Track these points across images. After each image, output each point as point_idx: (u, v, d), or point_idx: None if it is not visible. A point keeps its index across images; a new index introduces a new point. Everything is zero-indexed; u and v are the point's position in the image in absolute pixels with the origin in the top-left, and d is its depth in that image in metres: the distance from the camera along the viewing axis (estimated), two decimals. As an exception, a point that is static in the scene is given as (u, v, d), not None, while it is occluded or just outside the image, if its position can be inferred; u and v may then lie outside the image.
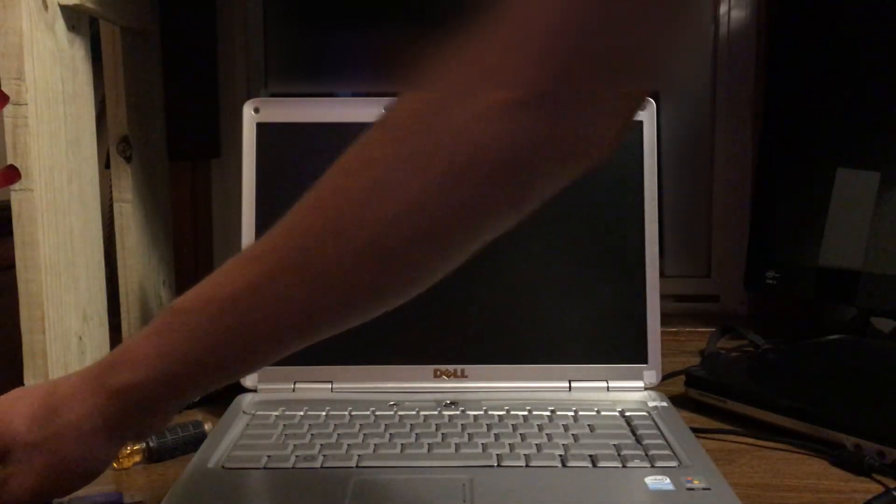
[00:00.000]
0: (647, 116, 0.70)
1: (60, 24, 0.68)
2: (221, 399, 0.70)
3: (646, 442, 0.58)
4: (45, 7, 0.65)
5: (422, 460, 0.55)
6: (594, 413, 0.63)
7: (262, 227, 0.70)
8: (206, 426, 0.63)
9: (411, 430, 0.60)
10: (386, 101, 0.70)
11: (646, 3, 0.35)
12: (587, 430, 0.60)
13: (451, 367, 0.69)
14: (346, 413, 0.63)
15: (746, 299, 1.06)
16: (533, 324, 0.69)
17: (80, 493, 0.55)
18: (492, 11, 0.36)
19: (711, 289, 1.12)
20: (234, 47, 1.07)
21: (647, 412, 0.64)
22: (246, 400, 0.67)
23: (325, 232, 0.37)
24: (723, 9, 1.09)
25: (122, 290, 0.83)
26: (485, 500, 0.50)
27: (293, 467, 0.55)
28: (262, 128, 0.71)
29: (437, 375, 0.69)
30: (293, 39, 1.11)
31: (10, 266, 0.65)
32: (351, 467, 0.54)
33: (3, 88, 0.63)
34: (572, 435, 0.59)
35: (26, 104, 0.64)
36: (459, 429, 0.60)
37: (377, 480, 0.53)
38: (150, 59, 0.84)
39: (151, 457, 0.61)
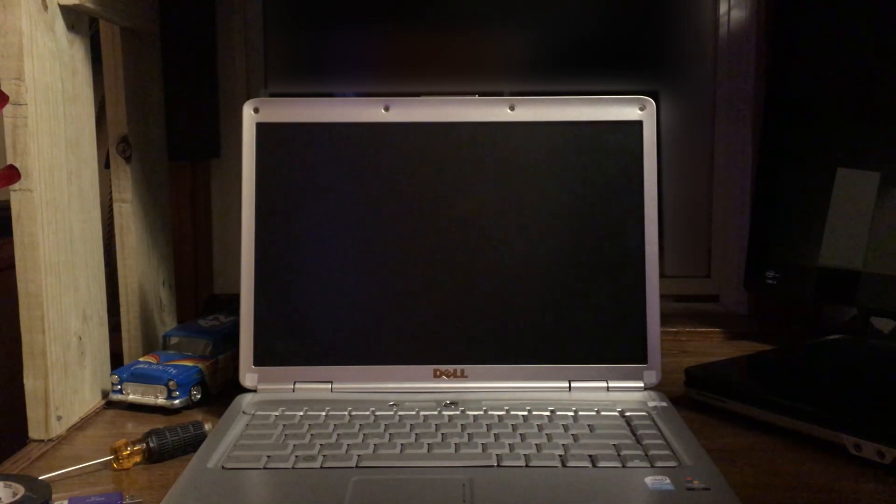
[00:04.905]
0: (647, 116, 0.70)
1: (60, 24, 0.68)
2: (221, 399, 0.70)
3: (646, 442, 0.58)
4: (45, 7, 0.65)
5: (421, 460, 0.55)
6: (594, 413, 0.63)
7: (261, 227, 0.70)
8: (206, 426, 0.63)
9: (411, 430, 0.60)
10: (385, 101, 0.71)
11: None
12: (587, 431, 0.60)
13: (450, 367, 0.69)
14: (345, 413, 0.64)
15: (746, 299, 1.06)
16: (533, 324, 0.69)
17: (80, 493, 0.55)
18: None
19: (711, 289, 1.12)
20: (234, 47, 1.07)
21: (647, 412, 0.64)
22: (246, 400, 0.67)
23: None
24: (723, 9, 1.09)
25: (121, 290, 0.83)
26: (485, 500, 0.50)
27: (293, 467, 0.55)
28: (261, 128, 0.71)
29: (436, 375, 0.69)
30: (293, 39, 1.11)
31: (10, 266, 0.66)
32: (351, 467, 0.54)
33: (3, 88, 0.63)
34: (572, 435, 0.59)
35: (26, 104, 0.64)
36: (459, 429, 0.60)
37: (377, 480, 0.53)
38: (150, 59, 0.84)
39: (151, 457, 0.61)
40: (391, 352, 0.69)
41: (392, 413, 0.63)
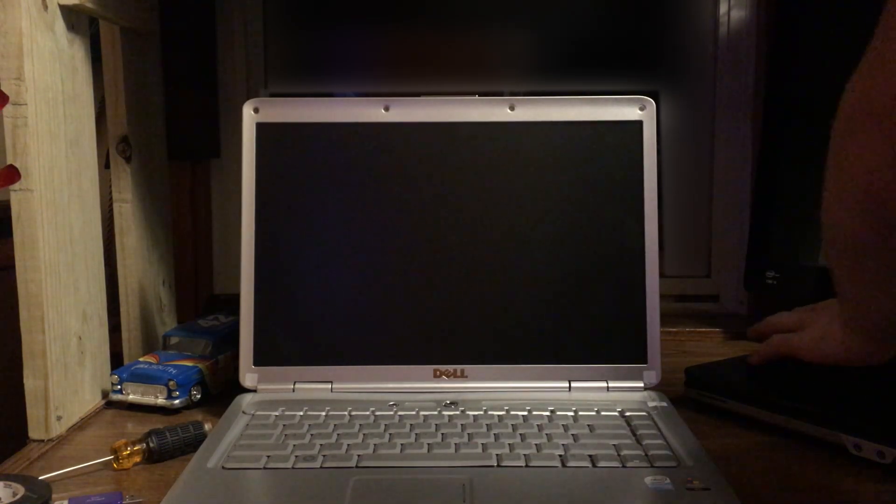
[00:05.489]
0: (647, 116, 0.70)
1: (60, 24, 0.68)
2: (221, 399, 0.70)
3: (645, 442, 0.58)
4: (45, 7, 0.65)
5: (421, 460, 0.55)
6: (594, 413, 0.63)
7: (261, 226, 0.70)
8: (206, 426, 0.63)
9: (411, 430, 0.60)
10: (385, 101, 0.71)
11: None
12: (587, 431, 0.60)
13: (450, 367, 0.69)
14: (345, 413, 0.64)
15: (746, 299, 1.06)
16: (533, 324, 0.69)
17: (80, 493, 0.55)
18: None
19: (711, 289, 1.12)
20: (234, 47, 1.08)
21: (647, 412, 0.64)
22: (246, 400, 0.67)
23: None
24: (723, 9, 1.09)
25: (121, 290, 0.83)
26: (484, 500, 0.50)
27: (293, 467, 0.55)
28: (261, 128, 0.71)
29: (436, 375, 0.69)
30: (293, 39, 1.11)
31: (10, 266, 0.66)
32: (351, 467, 0.54)
33: (3, 88, 0.63)
34: (572, 435, 0.59)
35: (26, 104, 0.64)
36: (459, 429, 0.60)
37: (377, 480, 0.53)
38: (150, 59, 0.84)
39: (151, 457, 0.61)
40: (391, 352, 0.69)
41: (392, 413, 0.63)
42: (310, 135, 0.71)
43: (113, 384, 0.73)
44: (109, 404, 0.74)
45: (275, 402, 0.66)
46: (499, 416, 0.63)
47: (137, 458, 0.60)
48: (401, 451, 0.57)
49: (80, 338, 0.70)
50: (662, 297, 0.70)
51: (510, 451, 0.56)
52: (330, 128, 0.71)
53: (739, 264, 0.96)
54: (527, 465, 0.55)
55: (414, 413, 0.63)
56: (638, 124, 0.70)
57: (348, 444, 0.58)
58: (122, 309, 0.83)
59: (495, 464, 0.55)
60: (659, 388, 0.68)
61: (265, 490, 0.53)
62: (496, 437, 0.59)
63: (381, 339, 0.69)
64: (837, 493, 0.55)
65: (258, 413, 0.64)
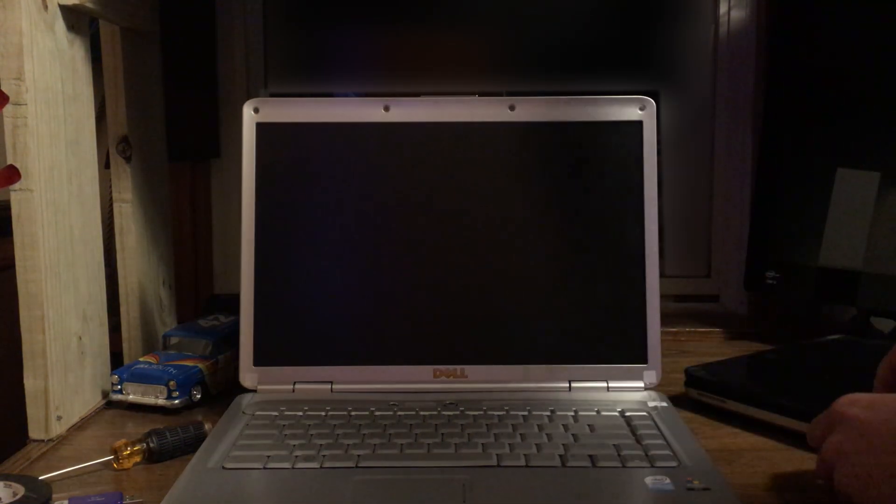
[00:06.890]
0: (647, 116, 0.70)
1: (60, 24, 0.68)
2: (221, 399, 0.71)
3: (646, 442, 0.58)
4: (45, 7, 0.65)
5: (421, 460, 0.55)
6: (594, 413, 0.63)
7: (261, 226, 0.70)
8: (206, 426, 0.63)
9: (411, 430, 0.60)
10: (385, 101, 0.71)
11: None
12: (587, 430, 0.60)
13: (450, 368, 0.69)
14: (345, 413, 0.64)
15: (746, 299, 1.06)
16: (533, 324, 0.69)
17: (80, 493, 0.55)
18: None
19: (711, 289, 1.12)
20: (234, 47, 1.08)
21: (647, 412, 0.64)
22: (246, 400, 0.67)
23: None
24: (723, 9, 1.09)
25: (121, 290, 0.83)
26: (484, 500, 0.50)
27: (293, 467, 0.55)
28: (261, 128, 0.71)
29: (436, 375, 0.69)
30: (293, 39, 1.11)
31: (10, 266, 0.66)
32: (351, 467, 0.54)
33: (3, 88, 0.63)
34: (572, 435, 0.59)
35: (26, 104, 0.64)
36: (459, 429, 0.60)
37: (377, 480, 0.53)
38: (150, 59, 0.84)
39: (151, 457, 0.61)
40: (391, 352, 0.69)
41: (392, 413, 0.63)
42: (310, 135, 0.71)
43: (113, 384, 0.73)
44: (109, 404, 0.74)
45: (275, 402, 0.66)
46: (499, 416, 0.63)
47: (137, 458, 0.60)
48: (401, 451, 0.57)
49: (80, 338, 0.70)
50: (662, 297, 0.70)
51: (510, 451, 0.56)
52: (330, 128, 0.71)
53: (739, 264, 0.96)
54: (527, 465, 0.55)
55: (414, 413, 0.63)
56: (638, 124, 0.70)
57: (348, 444, 0.58)
58: (122, 309, 0.83)
59: (495, 464, 0.55)
60: (659, 388, 0.68)
61: (265, 490, 0.53)
62: (496, 437, 0.59)
63: (381, 339, 0.69)
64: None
65: (258, 413, 0.64)
